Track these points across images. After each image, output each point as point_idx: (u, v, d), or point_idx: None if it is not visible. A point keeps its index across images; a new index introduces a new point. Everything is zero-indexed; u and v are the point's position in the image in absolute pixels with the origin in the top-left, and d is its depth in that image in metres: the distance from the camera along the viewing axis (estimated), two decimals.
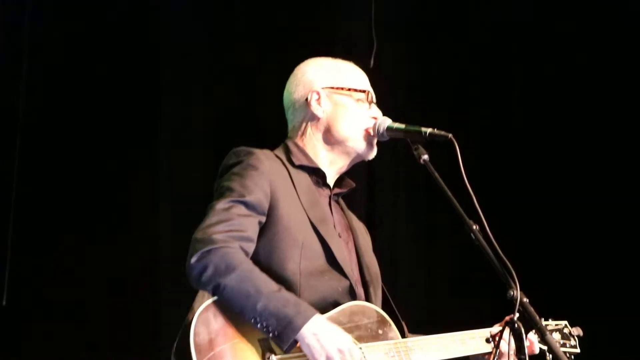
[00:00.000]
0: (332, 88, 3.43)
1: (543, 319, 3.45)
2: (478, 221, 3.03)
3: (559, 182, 5.65)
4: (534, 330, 3.01)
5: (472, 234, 3.03)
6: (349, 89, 3.44)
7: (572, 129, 5.66)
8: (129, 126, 5.29)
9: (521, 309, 2.91)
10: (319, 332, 2.98)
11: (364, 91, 3.44)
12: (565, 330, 3.62)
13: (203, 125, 5.46)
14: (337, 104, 3.42)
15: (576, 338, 3.65)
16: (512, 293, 2.90)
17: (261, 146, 3.38)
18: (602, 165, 5.57)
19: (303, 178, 3.35)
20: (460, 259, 5.41)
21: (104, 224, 5.22)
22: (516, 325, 2.91)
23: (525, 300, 2.93)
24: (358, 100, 3.43)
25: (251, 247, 3.13)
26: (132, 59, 5.31)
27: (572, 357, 3.62)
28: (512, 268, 2.92)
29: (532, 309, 2.97)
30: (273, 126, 3.71)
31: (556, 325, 3.61)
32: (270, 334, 2.97)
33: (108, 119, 5.27)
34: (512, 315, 2.92)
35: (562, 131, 5.69)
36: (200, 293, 3.12)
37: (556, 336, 3.58)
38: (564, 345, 3.60)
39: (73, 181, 5.20)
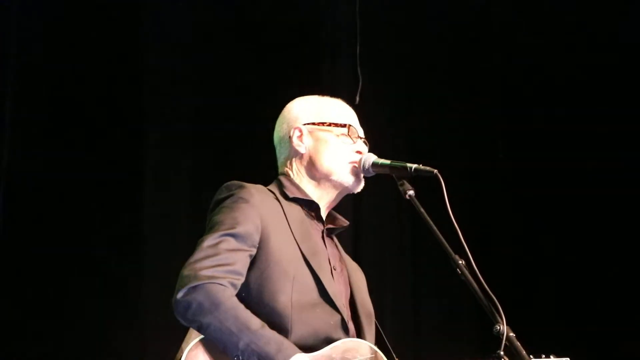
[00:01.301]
0: (314, 124, 3.47)
1: (544, 356, 3.44)
2: (464, 256, 3.04)
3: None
4: None
5: (458, 269, 3.03)
6: (330, 124, 3.46)
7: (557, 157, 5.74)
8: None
9: (507, 344, 2.91)
10: None
11: (345, 125, 3.46)
12: None
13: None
14: (319, 139, 3.45)
15: None
16: (498, 328, 2.90)
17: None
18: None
19: (296, 211, 3.36)
20: (447, 293, 5.41)
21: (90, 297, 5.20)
22: None
23: (512, 334, 2.93)
24: (340, 135, 3.46)
25: (240, 281, 3.12)
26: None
27: None
28: (499, 302, 2.93)
29: (518, 344, 2.96)
30: (260, 166, 3.73)
31: None
32: None
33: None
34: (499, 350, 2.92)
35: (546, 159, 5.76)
36: (189, 332, 3.12)
37: None
38: None
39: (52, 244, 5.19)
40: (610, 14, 5.64)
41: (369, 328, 3.36)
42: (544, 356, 3.42)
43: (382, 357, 3.23)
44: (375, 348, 3.24)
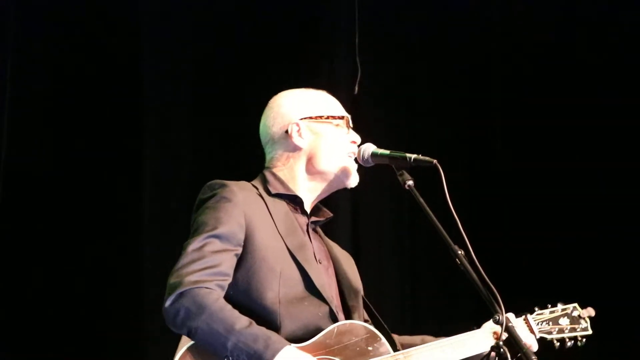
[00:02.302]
0: (311, 118, 3.45)
1: (550, 305, 3.46)
2: (463, 246, 3.03)
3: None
4: (519, 355, 2.97)
5: (457, 259, 3.03)
6: (327, 117, 3.46)
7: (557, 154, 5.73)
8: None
9: (507, 334, 2.91)
10: None
11: (342, 117, 3.47)
12: (575, 313, 3.51)
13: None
14: (317, 133, 3.43)
15: (587, 319, 3.54)
16: (497, 317, 2.89)
17: (241, 177, 3.39)
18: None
19: (280, 206, 3.34)
20: (445, 283, 5.41)
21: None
22: (502, 350, 2.91)
23: (511, 324, 2.95)
24: (337, 126, 3.45)
25: (226, 281, 3.13)
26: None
27: (584, 340, 3.51)
28: (497, 292, 2.92)
29: (517, 334, 2.98)
30: (259, 164, 3.72)
31: (563, 310, 3.52)
32: None
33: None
34: (497, 340, 2.93)
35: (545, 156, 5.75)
36: (181, 341, 3.11)
37: (564, 321, 3.49)
38: (573, 329, 3.51)
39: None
40: (610, 14, 5.65)
41: (357, 306, 3.36)
42: (550, 306, 3.43)
43: (378, 335, 3.19)
44: (371, 327, 3.21)
